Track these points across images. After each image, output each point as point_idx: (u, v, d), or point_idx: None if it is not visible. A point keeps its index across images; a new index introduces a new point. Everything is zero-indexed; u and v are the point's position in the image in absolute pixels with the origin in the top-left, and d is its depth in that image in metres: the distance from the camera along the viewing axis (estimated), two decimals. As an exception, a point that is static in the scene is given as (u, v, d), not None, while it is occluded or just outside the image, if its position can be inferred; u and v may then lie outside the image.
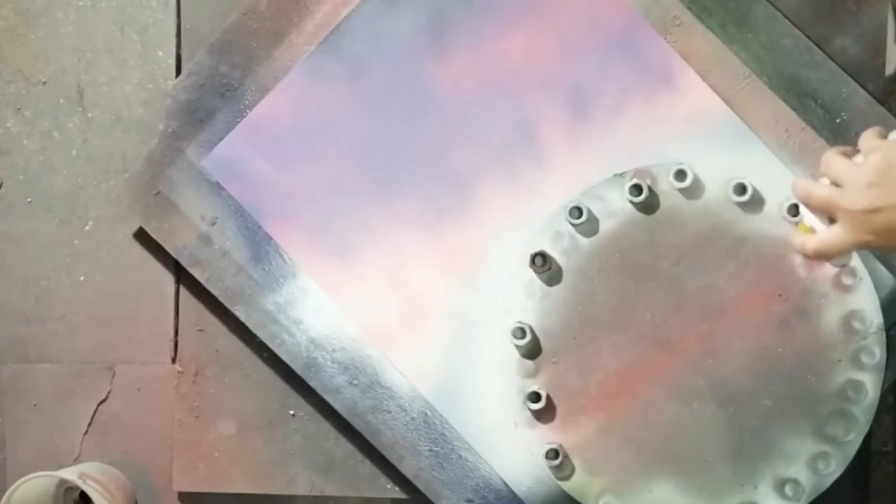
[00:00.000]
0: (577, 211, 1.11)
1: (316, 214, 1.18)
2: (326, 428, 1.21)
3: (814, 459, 1.09)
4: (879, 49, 1.15)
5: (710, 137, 1.13)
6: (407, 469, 1.17)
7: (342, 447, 1.21)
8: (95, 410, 1.25)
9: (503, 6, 1.15)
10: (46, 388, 1.25)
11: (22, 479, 1.16)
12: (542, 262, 1.11)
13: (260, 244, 1.18)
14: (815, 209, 0.92)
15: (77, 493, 1.26)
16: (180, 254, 1.20)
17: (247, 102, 1.19)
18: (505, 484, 1.15)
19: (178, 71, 1.24)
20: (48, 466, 1.22)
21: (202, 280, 1.19)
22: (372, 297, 1.17)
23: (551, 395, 1.12)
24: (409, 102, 1.17)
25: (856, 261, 1.09)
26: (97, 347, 1.25)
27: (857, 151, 0.90)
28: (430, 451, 1.16)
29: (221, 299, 1.19)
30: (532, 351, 1.12)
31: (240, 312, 1.19)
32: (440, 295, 1.16)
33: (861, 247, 0.90)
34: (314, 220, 1.18)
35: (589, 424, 1.12)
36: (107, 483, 1.19)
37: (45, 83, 1.27)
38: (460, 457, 1.16)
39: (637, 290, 1.11)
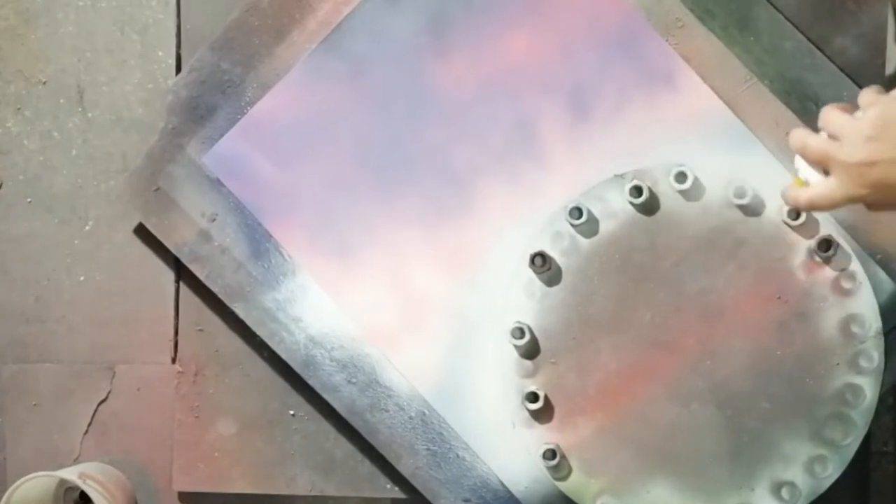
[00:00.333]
0: (577, 211, 1.11)
1: (316, 212, 1.18)
2: (326, 428, 1.21)
3: (811, 462, 1.09)
4: (879, 49, 1.15)
5: (711, 139, 1.12)
6: (404, 468, 1.17)
7: (342, 447, 1.21)
8: (95, 410, 1.25)
9: (504, 6, 1.15)
10: (46, 388, 1.26)
11: (22, 479, 1.16)
12: (542, 263, 1.11)
13: (260, 241, 1.18)
14: (810, 160, 0.91)
15: (77, 493, 1.26)
16: (180, 250, 1.20)
17: (248, 99, 1.19)
18: (502, 484, 1.15)
19: (178, 71, 1.24)
20: (48, 466, 1.22)
21: (202, 277, 1.19)
22: (371, 296, 1.17)
23: (549, 395, 1.12)
24: (409, 101, 1.17)
25: (855, 265, 1.09)
26: (97, 347, 1.26)
27: (856, 108, 0.90)
28: (428, 450, 1.16)
29: (221, 296, 1.19)
30: (531, 351, 1.12)
31: (239, 309, 1.19)
32: (440, 294, 1.16)
33: (853, 200, 0.88)
34: (314, 218, 1.18)
35: (587, 425, 1.12)
36: (107, 483, 1.19)
37: (45, 83, 1.27)
38: (458, 456, 1.16)
39: (637, 291, 1.11)
